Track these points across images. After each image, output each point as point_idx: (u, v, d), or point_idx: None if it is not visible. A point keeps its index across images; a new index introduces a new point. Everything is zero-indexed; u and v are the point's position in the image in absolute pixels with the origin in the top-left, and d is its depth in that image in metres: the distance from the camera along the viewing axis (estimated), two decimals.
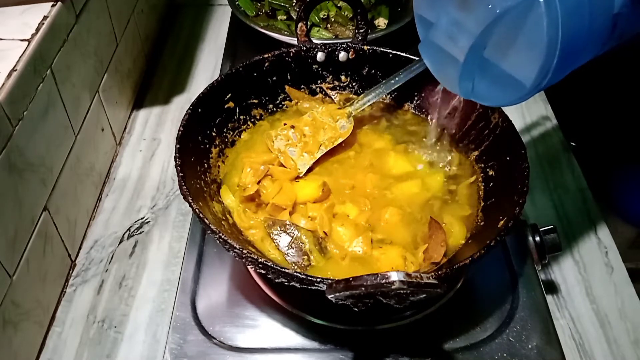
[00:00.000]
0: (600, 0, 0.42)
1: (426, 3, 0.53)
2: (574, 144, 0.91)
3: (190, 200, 0.53)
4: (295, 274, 0.47)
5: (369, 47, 0.73)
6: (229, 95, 0.69)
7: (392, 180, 0.66)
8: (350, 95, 0.76)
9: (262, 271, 0.50)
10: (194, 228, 0.69)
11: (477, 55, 0.47)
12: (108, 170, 0.84)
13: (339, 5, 1.05)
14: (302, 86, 0.76)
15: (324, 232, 0.60)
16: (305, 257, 0.58)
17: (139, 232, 0.76)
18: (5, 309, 0.55)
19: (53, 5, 0.65)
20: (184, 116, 0.62)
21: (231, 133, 0.71)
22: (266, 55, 0.71)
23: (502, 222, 0.54)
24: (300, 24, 0.72)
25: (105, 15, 0.82)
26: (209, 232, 0.52)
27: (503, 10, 0.43)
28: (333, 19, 1.04)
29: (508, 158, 0.61)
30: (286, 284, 0.49)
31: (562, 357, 0.58)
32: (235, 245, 0.50)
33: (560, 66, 0.43)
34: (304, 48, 0.73)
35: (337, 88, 0.77)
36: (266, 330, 0.59)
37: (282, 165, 0.67)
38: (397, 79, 0.65)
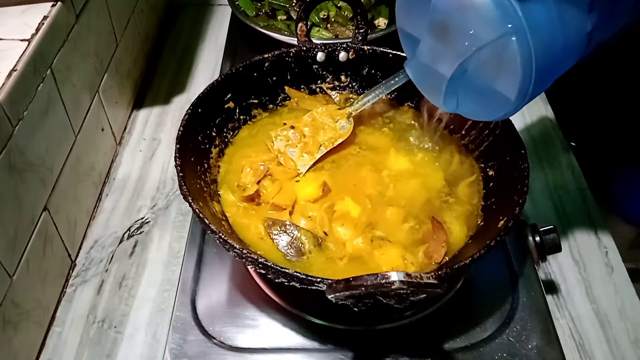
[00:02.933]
0: (573, 25, 0.44)
1: (409, 20, 0.54)
2: (574, 144, 0.91)
3: (190, 200, 0.53)
4: (295, 274, 0.47)
5: (369, 47, 0.73)
6: (229, 95, 0.69)
7: (392, 179, 0.66)
8: (350, 95, 0.76)
9: (262, 271, 0.50)
10: (194, 228, 0.69)
11: (460, 75, 0.49)
12: (108, 170, 0.84)
13: (339, 5, 1.05)
14: (302, 86, 0.76)
15: (324, 232, 0.60)
16: (305, 257, 0.58)
17: (139, 232, 0.76)
18: (5, 309, 0.55)
19: (53, 5, 0.65)
20: (184, 116, 0.62)
21: (231, 133, 0.71)
22: (266, 55, 0.71)
23: (502, 222, 0.54)
24: (300, 24, 0.72)
25: (105, 15, 0.82)
26: (209, 232, 0.52)
27: (478, 47, 0.45)
28: (333, 19, 1.04)
29: (508, 158, 0.61)
30: (286, 284, 0.49)
31: (562, 357, 0.58)
32: (235, 245, 0.50)
33: (539, 85, 0.45)
34: (304, 48, 0.73)
35: (337, 88, 0.77)
36: (266, 330, 0.59)
37: (281, 165, 0.67)
38: (397, 79, 0.65)
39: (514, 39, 0.42)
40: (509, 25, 0.42)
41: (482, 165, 0.66)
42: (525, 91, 0.45)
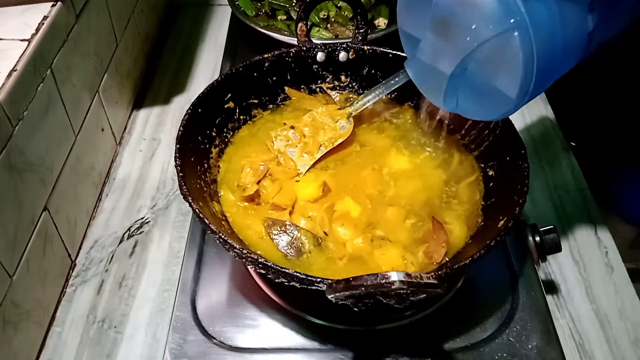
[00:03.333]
0: (573, 24, 0.44)
1: (410, 20, 0.54)
2: (574, 144, 0.91)
3: (190, 200, 0.53)
4: (295, 274, 0.47)
5: (369, 47, 0.73)
6: (229, 95, 0.69)
7: (392, 179, 0.66)
8: (350, 95, 0.76)
9: (262, 271, 0.50)
10: (194, 228, 0.69)
11: (460, 74, 0.49)
12: (108, 170, 0.84)
13: (339, 5, 1.05)
14: (302, 86, 0.76)
15: (324, 232, 0.60)
16: (305, 256, 0.58)
17: (139, 232, 0.76)
18: (5, 309, 0.55)
19: (53, 5, 0.65)
20: (184, 116, 0.62)
21: (231, 133, 0.71)
22: (266, 55, 0.71)
23: (502, 222, 0.54)
24: (300, 24, 0.72)
25: (105, 15, 0.82)
26: (209, 232, 0.52)
27: (480, 42, 0.45)
28: (333, 19, 1.04)
29: (508, 158, 0.61)
30: (286, 284, 0.49)
31: (562, 357, 0.58)
32: (235, 245, 0.50)
33: (539, 84, 0.45)
34: (304, 48, 0.73)
35: (337, 88, 0.77)
36: (266, 330, 0.59)
37: (281, 164, 0.67)
38: (397, 79, 0.65)
39: (516, 34, 0.42)
40: (512, 21, 0.42)
41: (482, 165, 0.66)
42: (526, 89, 0.45)
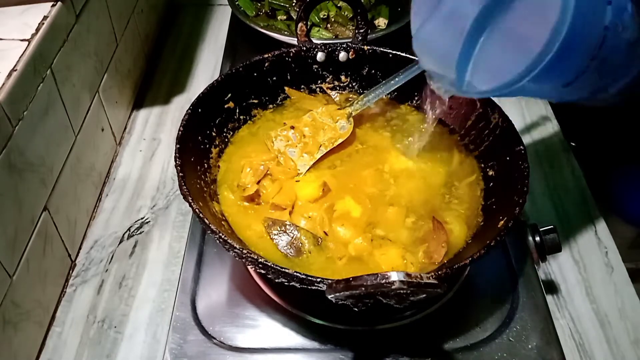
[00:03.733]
0: (596, 4, 0.42)
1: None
2: (574, 144, 0.91)
3: (190, 200, 0.53)
4: (295, 274, 0.47)
5: (369, 47, 0.73)
6: (229, 95, 0.69)
7: (392, 179, 0.66)
8: (350, 95, 0.76)
9: (262, 271, 0.50)
10: (194, 228, 0.69)
11: (476, 39, 0.46)
12: (108, 170, 0.84)
13: (339, 5, 1.05)
14: (302, 86, 0.76)
15: (324, 232, 0.60)
16: (304, 256, 0.58)
17: (139, 232, 0.76)
18: (5, 309, 0.55)
19: (53, 5, 0.65)
20: (184, 116, 0.62)
21: (231, 133, 0.71)
22: (266, 55, 0.71)
23: (502, 222, 0.54)
24: (300, 24, 0.72)
25: (105, 15, 0.82)
26: (209, 232, 0.52)
27: None
28: (333, 19, 1.04)
29: (508, 158, 0.61)
30: (286, 284, 0.49)
31: (562, 357, 0.58)
32: (235, 245, 0.50)
33: (558, 57, 0.42)
34: (304, 48, 0.73)
35: (337, 88, 0.77)
36: (266, 330, 0.59)
37: (281, 164, 0.67)
38: (397, 79, 0.65)
39: None
40: None
41: (482, 165, 0.66)
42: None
